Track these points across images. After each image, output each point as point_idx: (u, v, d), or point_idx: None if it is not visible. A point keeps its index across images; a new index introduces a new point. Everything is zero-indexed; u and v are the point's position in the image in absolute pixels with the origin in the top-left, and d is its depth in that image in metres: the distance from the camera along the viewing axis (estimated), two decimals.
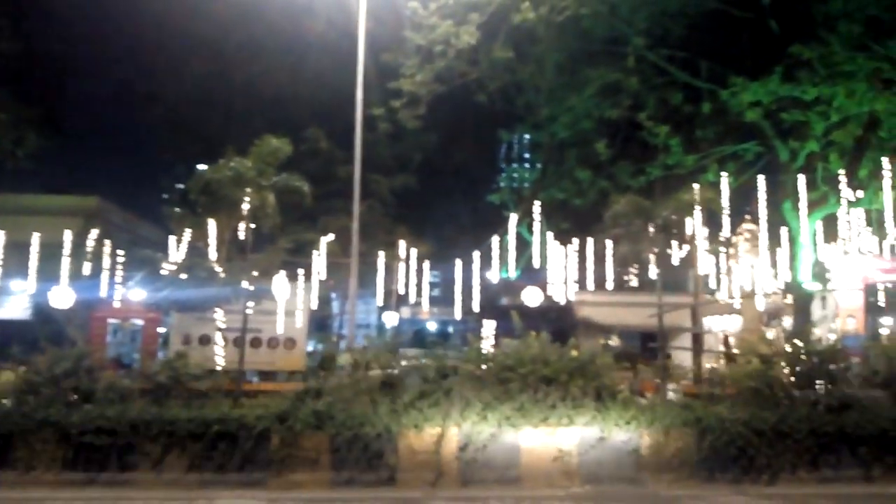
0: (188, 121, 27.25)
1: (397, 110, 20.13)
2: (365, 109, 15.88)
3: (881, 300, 20.64)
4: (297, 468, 9.94)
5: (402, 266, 20.36)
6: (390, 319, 29.87)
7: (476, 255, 20.70)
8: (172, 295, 15.63)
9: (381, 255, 19.92)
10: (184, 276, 15.56)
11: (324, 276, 18.20)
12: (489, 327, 18.38)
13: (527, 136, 28.71)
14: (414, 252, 20.71)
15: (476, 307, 20.66)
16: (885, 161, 17.25)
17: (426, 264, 21.05)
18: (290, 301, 15.96)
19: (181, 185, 28.93)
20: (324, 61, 23.72)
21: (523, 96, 21.98)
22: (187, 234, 15.85)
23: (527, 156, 34.87)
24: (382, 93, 20.35)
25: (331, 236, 19.54)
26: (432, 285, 22.81)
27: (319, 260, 17.78)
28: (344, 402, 10.35)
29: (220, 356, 13.97)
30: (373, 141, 20.91)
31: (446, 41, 18.55)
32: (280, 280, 15.62)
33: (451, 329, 24.12)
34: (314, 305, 17.44)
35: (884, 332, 21.61)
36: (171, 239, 16.14)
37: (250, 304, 13.60)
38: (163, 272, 15.72)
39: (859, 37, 17.28)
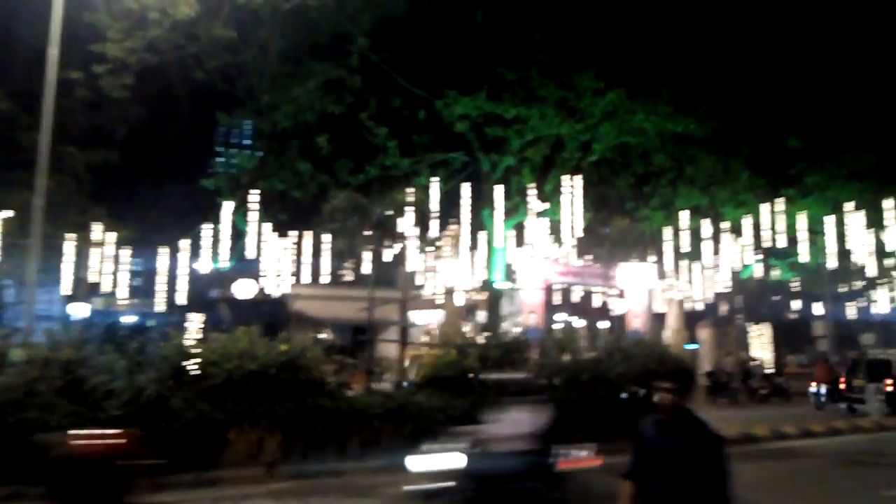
0: None
1: (100, 76, 18.05)
2: (60, 71, 13.92)
3: (557, 299, 23.71)
4: None
5: (96, 251, 18.40)
6: (79, 311, 26.78)
7: (185, 243, 19.50)
8: None
9: (71, 237, 17.74)
10: None
11: None
12: (196, 320, 17.42)
13: (247, 122, 27.69)
14: (112, 236, 18.85)
15: (182, 299, 19.48)
16: (566, 179, 19.90)
17: (126, 251, 19.30)
18: None
19: None
20: (13, 10, 20.35)
21: (245, 80, 21.11)
22: None
23: (246, 142, 33.60)
24: (83, 55, 18.06)
25: (8, 213, 16.86)
26: (132, 274, 20.90)
27: None
28: (14, 405, 8.98)
29: None
30: (68, 108, 18.46)
31: (162, 9, 17.09)
32: None
33: (151, 322, 22.31)
34: None
35: (558, 326, 24.88)
36: None
37: None
38: None
39: (552, 66, 19.60)
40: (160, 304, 19.69)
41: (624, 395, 13.89)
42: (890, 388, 19.11)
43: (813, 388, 21.97)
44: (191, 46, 18.88)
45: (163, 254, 19.59)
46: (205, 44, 18.78)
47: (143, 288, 24.07)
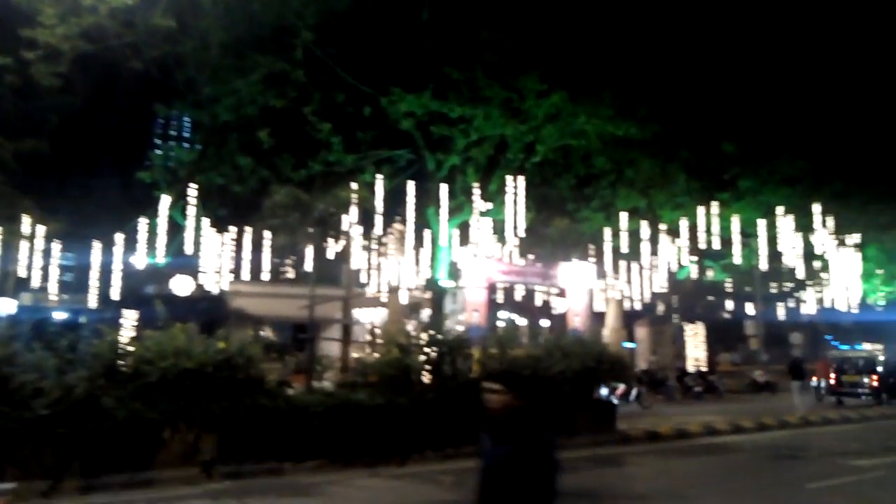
0: None
1: (30, 63, 17.30)
2: None
3: (500, 297, 23.92)
4: None
5: (25, 245, 17.67)
6: (5, 307, 25.65)
7: (120, 237, 18.91)
8: None
9: None
10: None
11: None
12: (130, 317, 16.91)
13: (186, 115, 26.98)
14: (42, 229, 18.15)
15: (116, 295, 18.89)
16: (509, 179, 20.09)
17: (57, 244, 18.62)
18: None
19: None
20: None
21: (184, 71, 20.46)
22: None
23: (185, 135, 32.77)
24: (13, 40, 17.27)
25: None
26: (64, 269, 20.15)
27: None
28: None
29: None
30: None
31: None
32: None
33: (83, 319, 21.60)
34: None
35: (500, 324, 25.12)
36: None
37: None
38: None
39: (497, 67, 19.72)
40: (93, 301, 19.04)
41: (604, 392, 14.17)
42: (875, 384, 22.48)
43: (814, 382, 24.87)
44: (128, 35, 18.26)
45: (96, 248, 18.95)
46: (143, 33, 18.19)
47: (74, 283, 23.19)
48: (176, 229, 19.69)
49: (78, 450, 9.14)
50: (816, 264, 28.34)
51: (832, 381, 23.60)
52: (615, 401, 18.19)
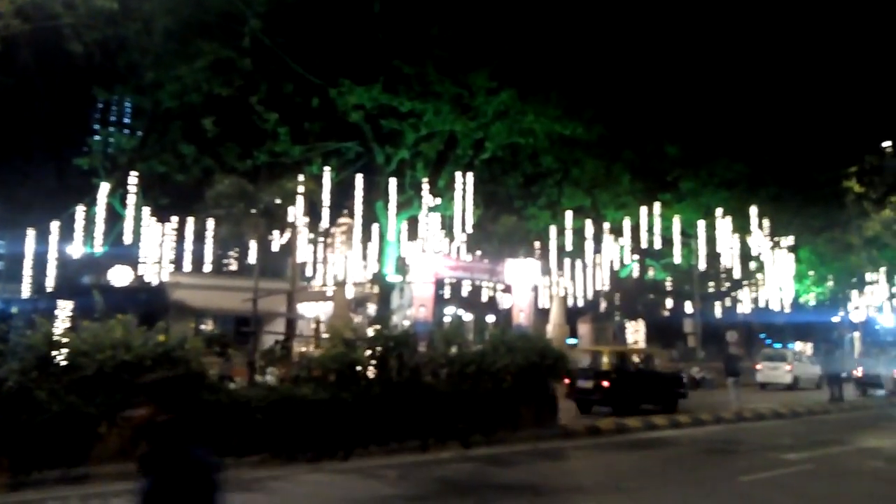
0: None
1: None
2: None
3: (447, 292, 24.04)
4: None
5: None
6: None
7: (56, 225, 18.28)
8: None
9: None
10: None
11: None
12: (66, 308, 16.36)
13: (128, 100, 26.11)
14: None
15: (51, 285, 18.26)
16: (458, 175, 20.17)
17: None
18: None
19: None
20: None
21: (126, 55, 19.87)
22: None
23: (127, 121, 31.74)
24: None
25: None
26: None
27: None
28: None
29: None
30: None
31: None
32: None
33: (16, 309, 20.81)
34: None
35: (447, 319, 25.21)
36: None
37: None
38: None
39: (448, 63, 19.76)
40: (26, 290, 18.36)
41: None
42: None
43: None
44: (67, 15, 17.59)
45: (30, 236, 18.26)
46: (83, 13, 17.53)
47: (7, 272, 22.30)
48: (115, 218, 19.14)
49: (8, 445, 8.81)
50: (752, 265, 29.37)
51: (859, 375, 27.37)
52: None
